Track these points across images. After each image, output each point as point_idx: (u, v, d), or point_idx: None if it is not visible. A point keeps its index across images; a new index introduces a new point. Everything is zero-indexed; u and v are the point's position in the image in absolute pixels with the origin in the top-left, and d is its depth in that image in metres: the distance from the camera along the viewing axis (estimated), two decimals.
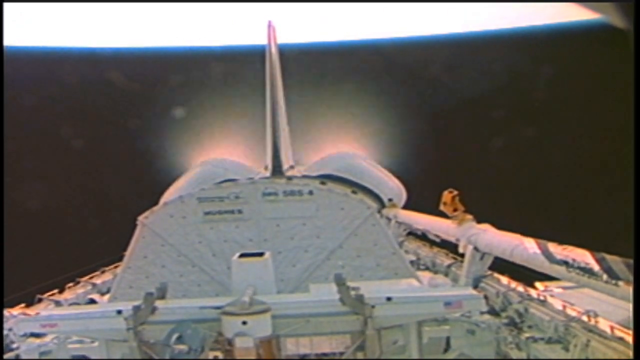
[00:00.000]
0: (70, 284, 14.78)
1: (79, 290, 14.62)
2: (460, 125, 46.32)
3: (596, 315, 8.47)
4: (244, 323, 7.94)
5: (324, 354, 8.60)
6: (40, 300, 12.88)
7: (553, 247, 9.09)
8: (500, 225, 12.24)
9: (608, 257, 7.66)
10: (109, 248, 17.10)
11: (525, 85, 45.99)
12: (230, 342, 7.97)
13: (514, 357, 9.12)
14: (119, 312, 8.57)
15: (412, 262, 14.92)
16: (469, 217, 13.07)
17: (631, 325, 7.36)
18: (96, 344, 9.58)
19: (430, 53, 51.76)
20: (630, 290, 6.99)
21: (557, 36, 46.93)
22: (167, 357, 7.74)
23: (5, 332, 10.16)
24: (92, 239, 32.32)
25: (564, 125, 42.69)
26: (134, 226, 12.43)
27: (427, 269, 16.02)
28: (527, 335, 9.27)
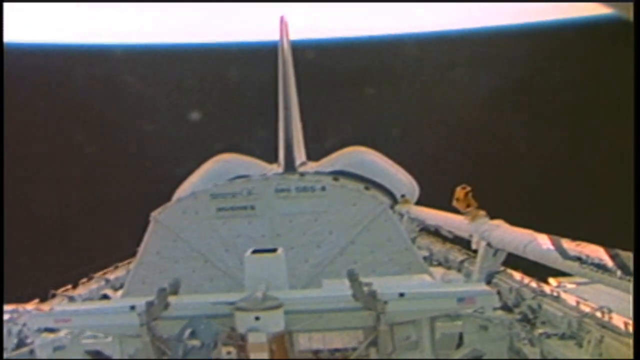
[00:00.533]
0: (84, 280, 14.84)
1: (93, 285, 14.68)
2: (471, 122, 46.16)
3: (610, 311, 8.43)
4: (257, 318, 7.97)
5: (337, 350, 8.60)
6: (54, 296, 12.94)
7: (566, 243, 9.05)
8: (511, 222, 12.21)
9: (622, 253, 7.62)
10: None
11: (538, 82, 45.83)
12: (243, 338, 8.00)
13: (527, 353, 9.09)
14: (132, 307, 8.62)
15: (425, 258, 14.90)
16: (482, 213, 13.02)
17: (632, 325, 7.36)
18: (110, 339, 9.63)
19: (439, 49, 51.58)
20: None
21: (570, 31, 46.66)
22: (180, 353, 7.79)
23: (19, 327, 10.23)
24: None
25: (577, 122, 42.56)
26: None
27: (440, 264, 15.99)
28: (540, 331, 9.24)
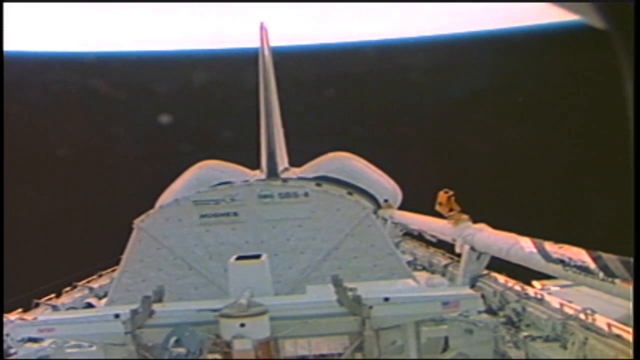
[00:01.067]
0: (68, 288, 14.73)
1: (76, 294, 14.59)
2: (447, 126, 46.48)
3: (593, 313, 8.50)
4: (242, 325, 7.95)
5: (322, 355, 8.61)
6: (37, 305, 12.83)
7: (549, 246, 9.12)
8: (495, 226, 12.27)
9: (604, 255, 7.69)
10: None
11: (507, 86, 46.30)
12: (228, 345, 7.99)
13: (512, 356, 9.14)
14: (117, 315, 8.58)
15: (408, 262, 14.93)
16: (465, 217, 13.08)
17: (631, 324, 7.38)
18: (94, 348, 9.57)
19: (411, 55, 51.87)
20: (626, 287, 7.01)
21: (536, 37, 47.28)
22: None
23: (2, 337, 10.13)
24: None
25: (543, 124, 43.04)
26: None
27: (424, 269, 16.03)
28: (525, 333, 9.29)
